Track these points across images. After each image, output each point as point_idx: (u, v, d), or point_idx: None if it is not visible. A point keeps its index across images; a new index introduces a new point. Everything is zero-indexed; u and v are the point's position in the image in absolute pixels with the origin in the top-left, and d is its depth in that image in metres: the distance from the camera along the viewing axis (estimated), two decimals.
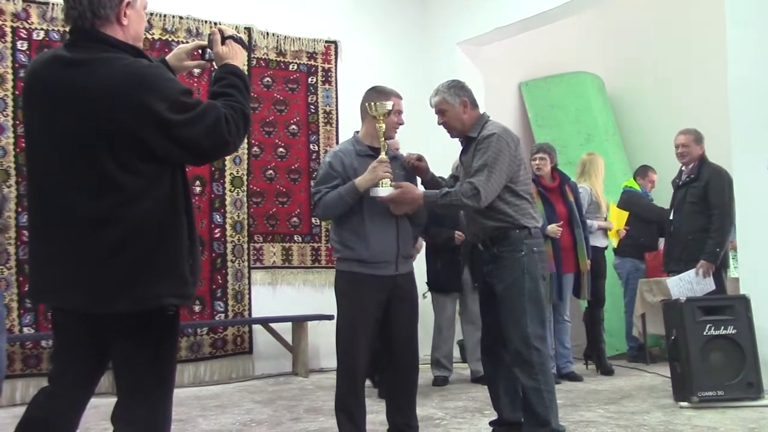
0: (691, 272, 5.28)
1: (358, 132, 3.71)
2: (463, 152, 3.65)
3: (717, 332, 4.66)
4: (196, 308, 6.30)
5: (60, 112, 1.99)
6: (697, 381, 4.57)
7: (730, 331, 4.66)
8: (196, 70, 6.43)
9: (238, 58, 2.21)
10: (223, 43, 2.22)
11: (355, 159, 3.55)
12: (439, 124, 3.69)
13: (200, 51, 2.35)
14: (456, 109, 3.59)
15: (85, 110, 1.95)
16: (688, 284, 5.25)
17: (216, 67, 2.24)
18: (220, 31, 2.25)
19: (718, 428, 4.02)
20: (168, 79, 2.02)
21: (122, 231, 1.96)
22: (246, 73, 2.21)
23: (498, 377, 3.65)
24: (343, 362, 3.51)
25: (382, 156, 3.43)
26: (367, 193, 3.43)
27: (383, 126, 3.45)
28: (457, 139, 3.75)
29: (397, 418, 3.59)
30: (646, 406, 4.68)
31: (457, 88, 3.64)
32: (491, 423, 3.75)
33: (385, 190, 3.39)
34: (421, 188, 3.61)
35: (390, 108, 3.47)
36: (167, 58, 2.37)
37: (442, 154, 5.81)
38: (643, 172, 7.26)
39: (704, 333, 4.65)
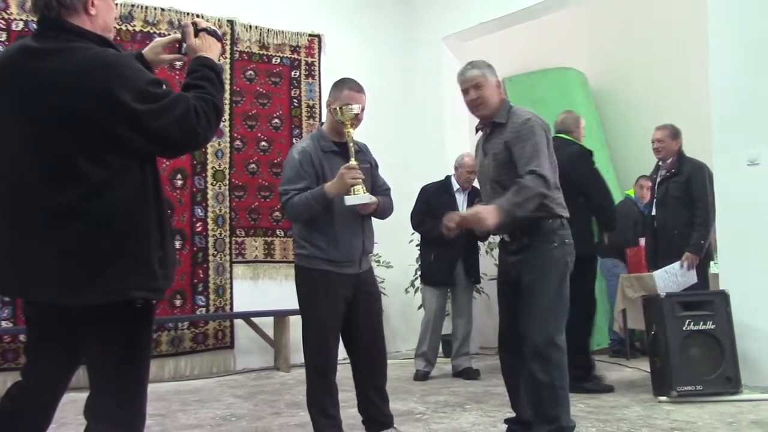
0: (676, 264, 5.28)
1: (323, 123, 3.66)
2: (487, 138, 3.43)
3: (696, 327, 4.69)
4: (177, 302, 6.27)
5: (26, 103, 1.97)
6: (676, 376, 4.60)
7: (710, 326, 4.69)
8: (178, 63, 6.38)
9: (213, 51, 2.19)
10: (196, 35, 2.20)
11: (322, 156, 3.50)
12: (469, 100, 3.42)
13: (177, 44, 2.32)
14: (493, 88, 3.40)
15: (51, 100, 1.93)
16: (673, 276, 5.26)
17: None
18: (194, 23, 2.22)
19: (696, 422, 4.04)
20: (135, 68, 2.00)
21: (89, 223, 1.93)
22: (221, 65, 2.18)
23: (517, 373, 3.46)
24: (313, 359, 3.51)
25: (351, 162, 3.35)
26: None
27: (351, 131, 3.39)
28: (479, 127, 3.53)
29: (370, 410, 3.61)
30: (625, 401, 4.70)
31: (493, 68, 3.46)
32: (506, 421, 3.61)
33: (358, 198, 3.34)
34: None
35: (357, 112, 3.40)
36: (144, 51, 2.35)
37: (424, 145, 5.83)
38: (638, 182, 7.36)
39: (683, 328, 4.68)
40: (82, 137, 1.93)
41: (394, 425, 3.69)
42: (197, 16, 6.49)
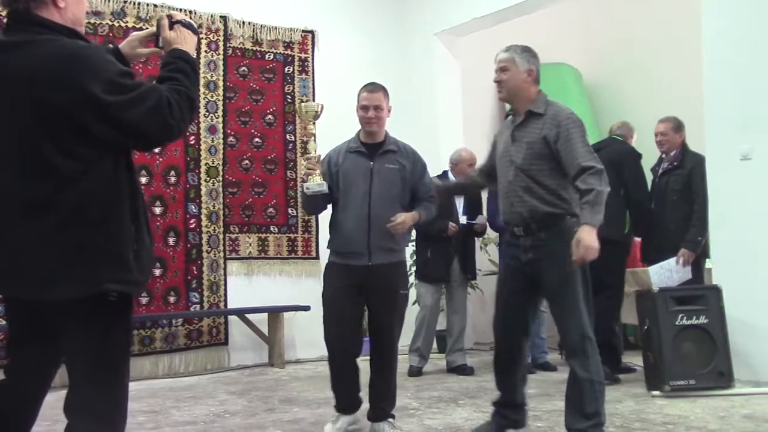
0: (672, 260, 5.25)
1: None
2: (519, 126, 3.44)
3: (689, 322, 4.71)
4: (171, 299, 6.26)
5: None
6: (669, 370, 4.62)
7: (702, 321, 4.71)
8: None
9: (188, 43, 2.18)
10: (171, 28, 2.19)
11: (343, 155, 3.80)
12: (494, 81, 3.52)
13: (154, 38, 2.31)
14: (520, 74, 3.43)
15: (20, 93, 1.92)
16: (668, 272, 5.23)
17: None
18: (169, 16, 2.22)
19: (689, 417, 4.06)
20: (105, 60, 1.98)
21: (61, 216, 1.92)
22: (195, 58, 2.17)
23: (517, 364, 3.55)
24: (325, 342, 3.82)
25: (309, 154, 3.69)
26: (346, 187, 3.74)
27: (312, 127, 3.74)
28: (510, 113, 3.59)
29: (371, 400, 3.85)
30: (618, 395, 4.71)
31: (530, 54, 3.49)
32: (494, 403, 3.66)
33: (310, 186, 3.64)
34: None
35: (317, 109, 3.73)
36: (120, 45, 2.34)
37: (417, 140, 5.80)
38: None
39: (676, 323, 4.70)
40: (52, 130, 1.92)
41: (390, 420, 3.82)
42: (190, 12, 6.47)
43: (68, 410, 2.03)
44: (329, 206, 3.89)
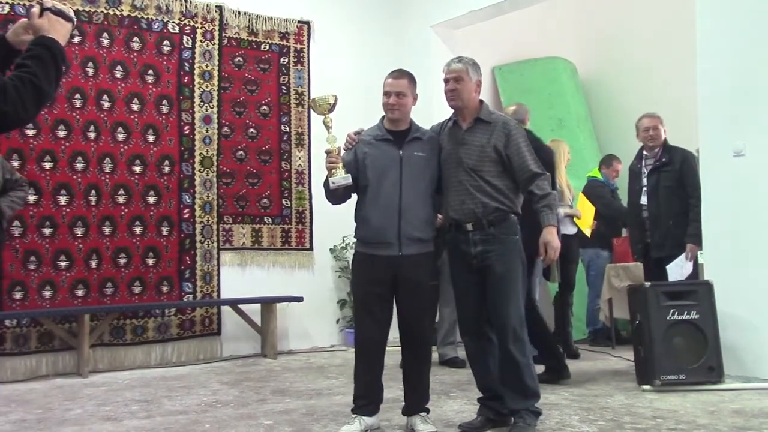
0: (682, 257, 5.28)
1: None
2: (467, 131, 3.70)
3: (680, 317, 4.73)
4: (164, 289, 6.26)
5: None
6: (660, 365, 4.64)
7: (693, 316, 4.73)
8: (166, 48, 6.33)
9: (57, 31, 2.15)
10: (41, 15, 2.18)
11: (368, 145, 3.73)
12: (447, 90, 3.73)
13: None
14: (471, 84, 3.69)
15: None
16: (679, 269, 5.28)
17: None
18: (40, 3, 2.20)
19: (678, 411, 4.08)
20: None
21: None
22: (60, 45, 2.11)
23: (488, 355, 3.73)
24: (355, 333, 3.83)
25: (328, 147, 3.65)
26: (374, 176, 3.67)
27: (329, 120, 3.70)
28: (455, 119, 3.79)
29: (407, 392, 3.88)
30: (609, 389, 4.74)
31: (479, 68, 3.76)
32: (480, 399, 3.85)
33: (335, 179, 3.61)
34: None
35: (331, 101, 3.69)
36: (6, 35, 2.32)
37: None
38: (608, 162, 7.26)
39: (668, 318, 4.72)
40: None
41: (422, 414, 3.81)
42: (185, 0, 6.44)
43: None
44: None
